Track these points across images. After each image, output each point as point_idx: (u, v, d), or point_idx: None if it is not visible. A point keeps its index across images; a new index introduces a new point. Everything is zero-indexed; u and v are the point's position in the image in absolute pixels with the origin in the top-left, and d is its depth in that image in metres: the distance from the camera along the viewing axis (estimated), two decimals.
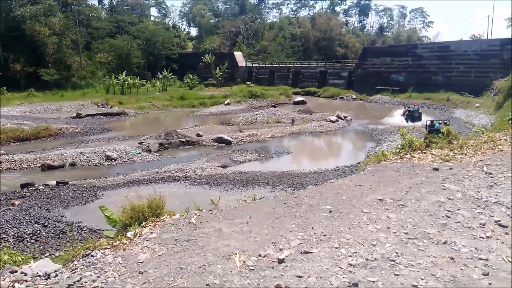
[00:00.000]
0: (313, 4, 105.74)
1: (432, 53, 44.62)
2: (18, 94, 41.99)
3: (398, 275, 3.52)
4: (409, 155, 7.43)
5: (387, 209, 5.03)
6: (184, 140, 22.64)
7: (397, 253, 3.88)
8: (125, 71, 50.68)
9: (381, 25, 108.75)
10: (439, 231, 4.30)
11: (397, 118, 30.69)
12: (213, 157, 19.49)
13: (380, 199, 5.33)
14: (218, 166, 17.81)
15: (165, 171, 16.87)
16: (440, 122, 22.26)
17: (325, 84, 52.60)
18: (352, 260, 3.80)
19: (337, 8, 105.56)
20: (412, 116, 29.27)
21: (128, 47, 59.73)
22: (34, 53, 46.73)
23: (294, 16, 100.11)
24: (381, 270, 3.63)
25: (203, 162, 18.30)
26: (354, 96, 46.64)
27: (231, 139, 22.79)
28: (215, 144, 22.38)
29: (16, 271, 4.62)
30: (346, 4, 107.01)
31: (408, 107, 31.41)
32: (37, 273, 4.35)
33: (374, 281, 3.46)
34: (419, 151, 7.51)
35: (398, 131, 9.98)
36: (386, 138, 23.02)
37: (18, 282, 4.16)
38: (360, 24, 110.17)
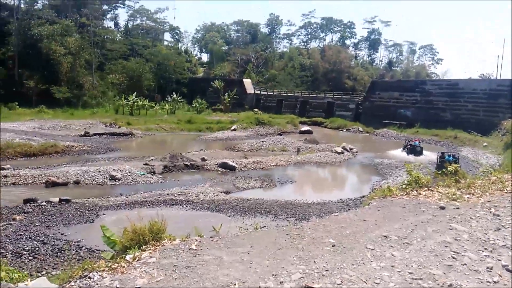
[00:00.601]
0: (323, 36, 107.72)
1: (440, 90, 44.87)
2: (29, 110, 42.58)
3: None
4: (415, 191, 7.35)
5: (391, 246, 4.93)
6: (188, 163, 22.62)
7: None
8: (135, 93, 51.42)
9: (390, 60, 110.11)
10: (444, 273, 4.19)
11: (402, 152, 30.71)
12: (216, 182, 19.42)
13: (385, 236, 5.24)
14: (221, 192, 17.71)
15: (167, 194, 16.79)
16: (449, 154, 23.33)
17: (332, 115, 52.82)
18: None
19: (347, 41, 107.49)
20: (413, 150, 29.59)
21: (140, 70, 60.87)
22: (48, 71, 47.69)
23: (304, 47, 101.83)
24: None
25: (207, 187, 18.22)
26: (360, 129, 46.68)
27: (235, 165, 22.74)
28: (220, 169, 22.32)
29: None
30: (356, 38, 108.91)
31: (409, 141, 31.79)
32: None
33: None
34: (426, 188, 7.43)
35: (404, 167, 9.91)
36: (391, 173, 22.85)
37: None
38: (370, 58, 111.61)
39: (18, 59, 47.91)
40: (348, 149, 30.42)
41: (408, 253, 4.71)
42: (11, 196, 15.44)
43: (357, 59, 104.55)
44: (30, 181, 17.77)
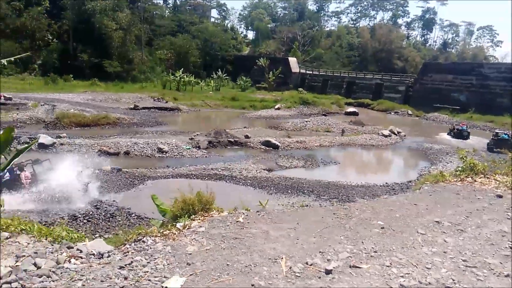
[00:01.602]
0: (374, 15, 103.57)
1: (499, 74, 42.14)
2: (83, 82, 44.51)
3: None
4: (470, 178, 7.03)
5: (444, 232, 4.77)
6: (232, 140, 22.92)
7: (453, 280, 3.66)
8: (182, 69, 52.23)
9: (445, 41, 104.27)
10: (501, 262, 4.01)
11: (447, 136, 29.78)
12: (259, 159, 19.59)
13: (437, 221, 5.07)
14: (264, 169, 17.88)
15: (212, 169, 17.17)
16: (505, 133, 22.70)
17: (379, 97, 51.18)
18: (404, 281, 3.63)
19: (399, 20, 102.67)
20: (460, 134, 28.86)
21: (187, 46, 61.56)
22: (100, 45, 49.29)
23: (353, 25, 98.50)
24: None
25: (250, 164, 18.45)
26: (410, 112, 45.00)
27: (278, 144, 22.78)
28: (263, 147, 22.45)
29: (72, 247, 4.86)
30: (409, 17, 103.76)
31: (456, 125, 31.14)
32: (92, 251, 4.55)
33: None
34: (482, 176, 7.08)
35: (456, 153, 9.49)
36: (441, 159, 22.01)
37: (74, 258, 4.36)
38: (423, 38, 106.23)
39: (73, 33, 49.81)
40: (396, 132, 29.53)
41: (461, 240, 4.55)
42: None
43: (409, 39, 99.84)
44: (84, 150, 18.71)
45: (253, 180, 15.82)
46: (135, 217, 10.96)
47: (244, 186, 15.08)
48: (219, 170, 17.01)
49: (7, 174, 11.77)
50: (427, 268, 3.88)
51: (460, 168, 7.58)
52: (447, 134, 30.38)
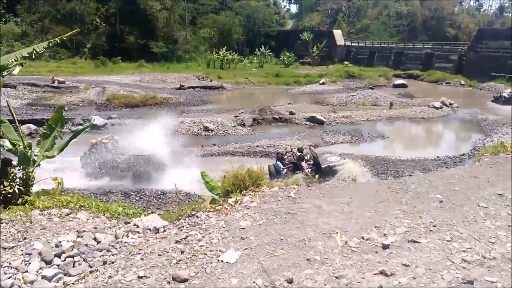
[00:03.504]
0: None
1: None
2: (131, 64, 45.72)
3: None
4: None
5: (508, 205, 4.51)
6: (277, 116, 22.81)
7: None
8: (225, 47, 52.23)
9: (502, 5, 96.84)
10: None
11: (494, 104, 29.31)
12: (304, 136, 19.40)
13: (499, 194, 4.80)
14: (309, 145, 17.68)
15: (257, 146, 17.22)
16: None
17: (430, 68, 48.69)
18: (467, 256, 3.48)
19: None
20: (508, 102, 27.98)
21: (230, 23, 61.24)
22: (146, 27, 50.14)
23: None
24: (501, 271, 3.27)
25: (295, 140, 18.31)
26: (462, 82, 42.58)
27: (324, 119, 22.43)
28: (308, 123, 22.22)
29: (129, 223, 5.08)
30: None
31: (502, 93, 30.67)
32: (148, 226, 4.72)
33: (492, 282, 3.13)
34: None
35: None
36: (497, 130, 20.77)
37: (132, 233, 4.55)
38: (477, 3, 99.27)
39: (119, 16, 50.95)
40: (448, 104, 28.14)
41: None
42: None
43: (462, 5, 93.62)
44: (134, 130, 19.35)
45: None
46: (184, 194, 11.25)
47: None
48: (265, 147, 17.03)
49: (281, 166, 11.22)
50: (490, 242, 3.69)
51: None
52: (491, 101, 30.09)
